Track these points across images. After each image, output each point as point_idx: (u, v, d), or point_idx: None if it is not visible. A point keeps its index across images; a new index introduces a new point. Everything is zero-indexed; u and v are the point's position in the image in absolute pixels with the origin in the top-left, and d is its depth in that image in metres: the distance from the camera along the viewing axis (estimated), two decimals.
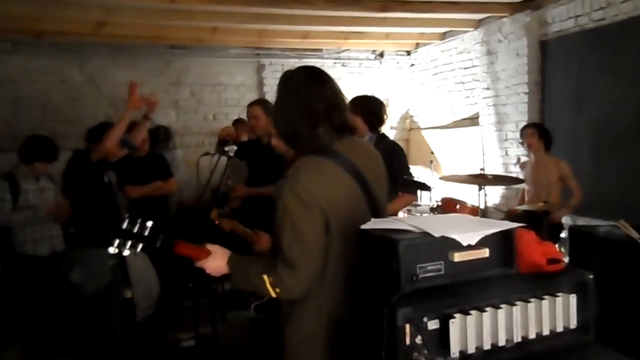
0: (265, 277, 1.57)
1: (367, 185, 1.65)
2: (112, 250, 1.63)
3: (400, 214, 3.65)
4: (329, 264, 1.59)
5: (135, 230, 1.65)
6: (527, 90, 4.93)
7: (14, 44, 5.49)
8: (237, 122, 5.09)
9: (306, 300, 1.62)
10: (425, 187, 4.56)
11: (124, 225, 1.63)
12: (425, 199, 5.40)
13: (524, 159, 4.72)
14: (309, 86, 1.67)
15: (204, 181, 3.56)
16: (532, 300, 1.39)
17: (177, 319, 4.54)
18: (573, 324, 1.45)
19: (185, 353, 3.95)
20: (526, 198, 4.33)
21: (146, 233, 1.65)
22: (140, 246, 1.65)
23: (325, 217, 1.56)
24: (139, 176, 4.45)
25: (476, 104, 5.71)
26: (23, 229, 3.91)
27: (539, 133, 4.21)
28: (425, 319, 1.27)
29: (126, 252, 1.64)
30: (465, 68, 5.93)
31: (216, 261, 1.71)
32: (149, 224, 1.65)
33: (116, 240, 1.63)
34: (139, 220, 1.65)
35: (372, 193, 1.67)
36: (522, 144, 4.40)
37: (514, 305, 1.37)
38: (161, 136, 5.92)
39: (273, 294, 1.59)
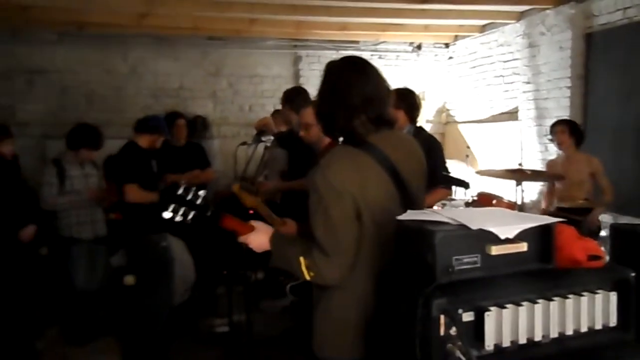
0: (302, 259, 1.61)
1: (400, 179, 1.65)
2: (167, 215, 1.69)
3: (435, 208, 3.63)
4: (360, 254, 1.60)
5: (189, 197, 1.71)
6: (569, 85, 4.78)
7: (58, 35, 5.68)
8: (276, 113, 5.13)
9: (336, 288, 1.64)
10: (464, 184, 4.50)
11: (180, 191, 1.70)
12: (460, 193, 5.33)
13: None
14: (348, 77, 1.68)
15: (240, 171, 3.62)
16: (570, 296, 1.38)
17: (211, 305, 4.64)
18: (613, 322, 1.42)
19: (219, 338, 4.04)
20: (556, 196, 4.23)
21: (199, 202, 1.71)
22: (192, 214, 1.71)
23: (356, 205, 1.57)
24: (178, 165, 4.57)
25: (515, 98, 5.58)
26: (68, 213, 4.08)
27: (569, 130, 4.10)
28: (460, 311, 1.27)
29: (178, 218, 1.70)
30: (505, 61, 5.80)
31: (260, 237, 1.76)
32: (202, 192, 1.72)
33: (171, 205, 1.69)
34: (194, 189, 1.72)
35: (405, 186, 1.66)
36: (551, 141, 4.28)
37: (551, 300, 1.35)
38: (199, 126, 6.03)
39: (307, 277, 1.62)
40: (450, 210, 1.50)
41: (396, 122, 1.81)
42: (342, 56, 1.81)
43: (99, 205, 4.20)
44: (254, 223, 1.79)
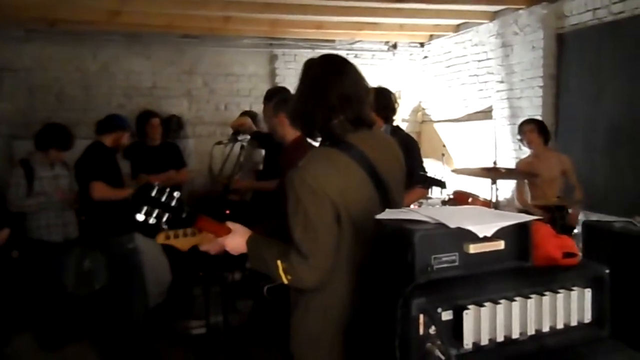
0: (278, 262, 1.59)
1: (379, 178, 1.65)
2: (140, 217, 1.61)
3: (412, 207, 3.65)
4: (339, 256, 1.59)
5: (164, 199, 1.64)
6: (542, 84, 4.86)
7: (27, 32, 5.52)
8: (244, 114, 5.05)
9: (314, 292, 1.62)
10: (440, 183, 4.54)
11: (153, 193, 1.63)
12: (436, 192, 5.37)
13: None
14: (327, 77, 1.66)
15: (216, 171, 3.58)
16: (546, 293, 1.39)
17: (187, 307, 4.58)
18: (588, 318, 1.44)
19: (196, 341, 3.99)
20: (531, 193, 4.29)
21: (173, 203, 1.65)
22: (166, 216, 1.64)
23: (336, 208, 1.56)
24: (153, 165, 4.50)
25: (490, 97, 5.65)
26: (37, 215, 3.97)
27: (538, 129, 4.19)
28: (439, 310, 1.27)
29: (152, 221, 1.63)
30: (479, 61, 5.87)
31: (236, 239, 1.72)
32: (177, 194, 1.65)
33: (144, 207, 1.62)
34: (167, 190, 1.64)
35: (384, 186, 1.66)
36: (520, 140, 4.35)
37: (529, 298, 1.36)
38: (173, 125, 5.94)
39: (285, 280, 1.60)
40: (428, 209, 1.50)
41: (375, 122, 1.79)
42: (321, 55, 1.78)
43: (70, 207, 4.10)
44: (230, 225, 1.75)
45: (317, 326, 1.64)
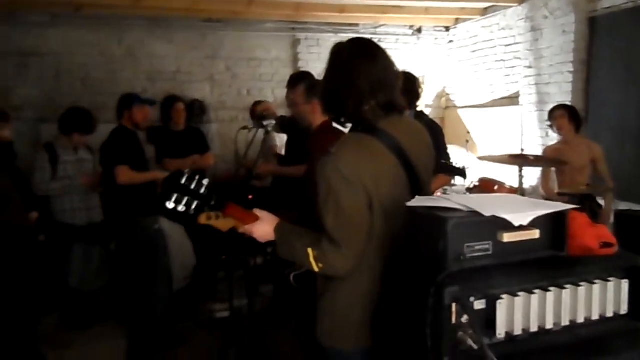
0: (310, 250, 1.57)
1: (409, 165, 1.62)
2: (170, 205, 1.63)
3: (437, 194, 3.61)
4: (370, 244, 1.57)
5: (193, 186, 1.66)
6: (572, 69, 4.73)
7: (52, 17, 5.57)
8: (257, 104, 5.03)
9: (343, 279, 1.61)
10: (461, 172, 4.49)
11: (183, 180, 1.64)
12: (459, 179, 5.31)
13: None
14: (357, 62, 1.62)
15: (241, 156, 3.58)
16: (582, 284, 1.36)
17: (211, 290, 4.63)
18: (624, 309, 1.41)
19: (220, 323, 4.04)
20: (559, 180, 4.20)
21: (202, 191, 1.66)
22: (195, 203, 1.66)
23: (368, 195, 1.54)
24: (178, 150, 4.52)
25: (517, 82, 5.53)
26: (62, 199, 4.02)
27: (569, 115, 4.06)
28: (472, 299, 1.25)
29: (181, 209, 1.64)
30: (506, 45, 5.73)
31: (264, 226, 1.71)
32: (206, 181, 1.66)
33: (174, 195, 1.63)
34: (197, 177, 1.66)
35: (414, 172, 1.63)
36: (550, 126, 4.25)
37: (564, 288, 1.33)
38: (196, 110, 5.95)
39: (316, 268, 1.58)
40: (461, 197, 1.47)
41: (406, 108, 1.76)
42: (349, 39, 1.74)
43: (94, 191, 4.15)
44: (257, 212, 1.74)
45: (345, 312, 1.63)
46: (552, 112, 4.18)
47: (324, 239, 1.55)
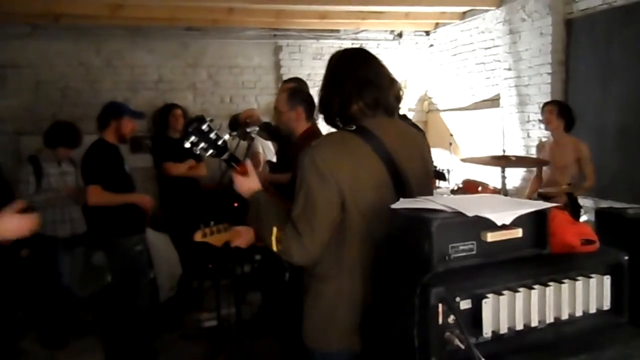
0: (275, 229, 1.61)
1: (395, 167, 1.62)
2: (186, 144, 1.73)
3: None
4: (347, 243, 1.59)
5: (212, 135, 1.74)
6: (550, 71, 4.81)
7: (31, 28, 5.51)
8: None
9: (325, 279, 1.64)
10: (441, 175, 4.55)
11: (204, 127, 1.73)
12: (443, 182, 5.36)
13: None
14: (345, 65, 1.70)
15: (224, 165, 3.56)
16: (565, 281, 1.37)
17: (198, 300, 4.60)
18: (606, 305, 1.43)
19: (208, 333, 4.00)
20: (543, 180, 4.25)
21: (220, 143, 1.75)
22: (210, 151, 1.75)
23: (341, 193, 1.55)
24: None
25: (497, 85, 5.61)
26: (44, 211, 3.97)
27: (558, 111, 4.06)
28: (457, 299, 1.26)
29: (197, 151, 1.75)
30: (486, 48, 5.81)
31: (247, 183, 1.78)
32: (226, 136, 1.78)
33: (192, 137, 1.71)
34: (217, 129, 1.76)
35: (400, 175, 1.63)
36: (541, 121, 4.30)
37: (547, 286, 1.35)
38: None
39: (275, 248, 1.63)
40: (444, 198, 1.48)
41: (397, 111, 1.79)
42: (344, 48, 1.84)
43: (77, 203, 4.11)
44: (248, 166, 1.80)
45: (327, 312, 1.64)
46: (543, 107, 4.20)
47: (289, 224, 1.59)
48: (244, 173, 1.80)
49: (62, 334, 4.02)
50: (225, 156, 1.77)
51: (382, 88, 1.68)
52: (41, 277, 4.04)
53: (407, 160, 1.65)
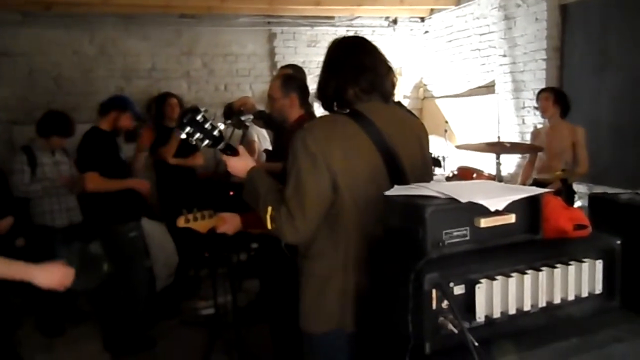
0: (269, 208, 1.63)
1: (387, 149, 1.63)
2: (182, 135, 1.75)
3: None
4: (339, 225, 1.60)
5: (207, 126, 1.76)
6: (545, 57, 4.81)
7: (23, 15, 5.44)
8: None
9: (317, 259, 1.66)
10: (437, 162, 4.55)
11: (198, 117, 1.74)
12: (438, 168, 5.38)
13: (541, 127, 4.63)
14: (342, 50, 1.73)
15: (219, 154, 3.56)
16: (558, 265, 1.39)
17: (195, 288, 4.62)
18: (599, 289, 1.45)
19: (205, 321, 4.03)
20: (536, 165, 4.25)
21: (215, 133, 1.77)
22: (206, 142, 1.77)
23: (333, 177, 1.56)
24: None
25: (492, 71, 5.60)
26: (41, 200, 3.98)
27: (554, 98, 4.06)
28: (451, 284, 1.27)
29: (193, 142, 1.77)
30: (481, 34, 5.79)
31: (241, 162, 1.81)
32: (222, 126, 1.81)
33: (187, 128, 1.74)
34: (212, 120, 1.78)
35: (393, 158, 1.63)
36: (537, 108, 4.30)
37: (540, 270, 1.36)
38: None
39: (269, 226, 1.65)
40: (437, 184, 1.49)
41: (393, 96, 1.81)
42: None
43: (72, 192, 4.11)
44: (241, 150, 1.83)
45: (318, 293, 1.66)
46: (538, 94, 4.20)
47: (282, 204, 1.60)
48: (241, 152, 1.84)
49: (59, 321, 4.04)
50: (221, 146, 1.79)
51: (378, 74, 1.70)
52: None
53: (402, 146, 1.66)
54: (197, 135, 1.75)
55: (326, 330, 1.64)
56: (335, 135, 1.59)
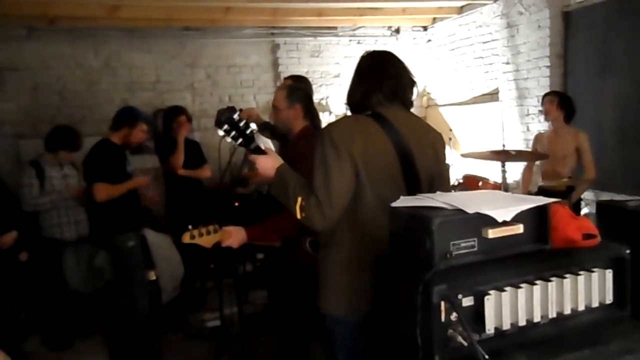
0: (299, 199, 1.74)
1: (404, 151, 1.76)
2: (220, 132, 1.84)
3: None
4: (358, 213, 1.73)
5: (241, 125, 1.84)
6: (549, 64, 4.80)
7: (28, 30, 5.49)
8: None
9: (336, 246, 1.79)
10: None
11: (235, 116, 1.83)
12: None
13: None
14: (369, 62, 1.90)
15: (224, 164, 3.55)
16: (567, 276, 1.37)
17: (201, 300, 4.60)
18: (609, 299, 1.43)
19: (211, 333, 4.01)
20: (540, 170, 4.23)
21: (248, 132, 1.85)
22: (240, 140, 1.85)
23: (355, 166, 1.70)
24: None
25: (496, 79, 5.59)
26: (50, 214, 4.01)
27: (558, 102, 4.05)
28: (460, 296, 1.26)
29: (229, 140, 1.85)
30: (484, 42, 5.80)
31: (268, 161, 1.88)
32: (254, 126, 1.87)
33: (225, 126, 1.82)
34: (246, 119, 1.86)
35: (407, 155, 1.76)
36: (541, 112, 4.30)
37: (549, 281, 1.35)
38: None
39: (299, 216, 1.76)
40: (444, 195, 1.48)
41: (412, 105, 1.95)
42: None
43: (81, 205, 4.13)
44: (268, 150, 1.91)
45: (335, 277, 1.79)
46: (543, 97, 4.20)
47: (311, 193, 1.73)
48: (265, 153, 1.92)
49: (66, 335, 4.03)
50: (252, 146, 1.87)
51: (400, 83, 1.85)
52: (45, 280, 4.04)
53: (418, 151, 1.79)
54: (233, 133, 1.83)
55: (344, 313, 1.79)
56: (356, 128, 1.75)
